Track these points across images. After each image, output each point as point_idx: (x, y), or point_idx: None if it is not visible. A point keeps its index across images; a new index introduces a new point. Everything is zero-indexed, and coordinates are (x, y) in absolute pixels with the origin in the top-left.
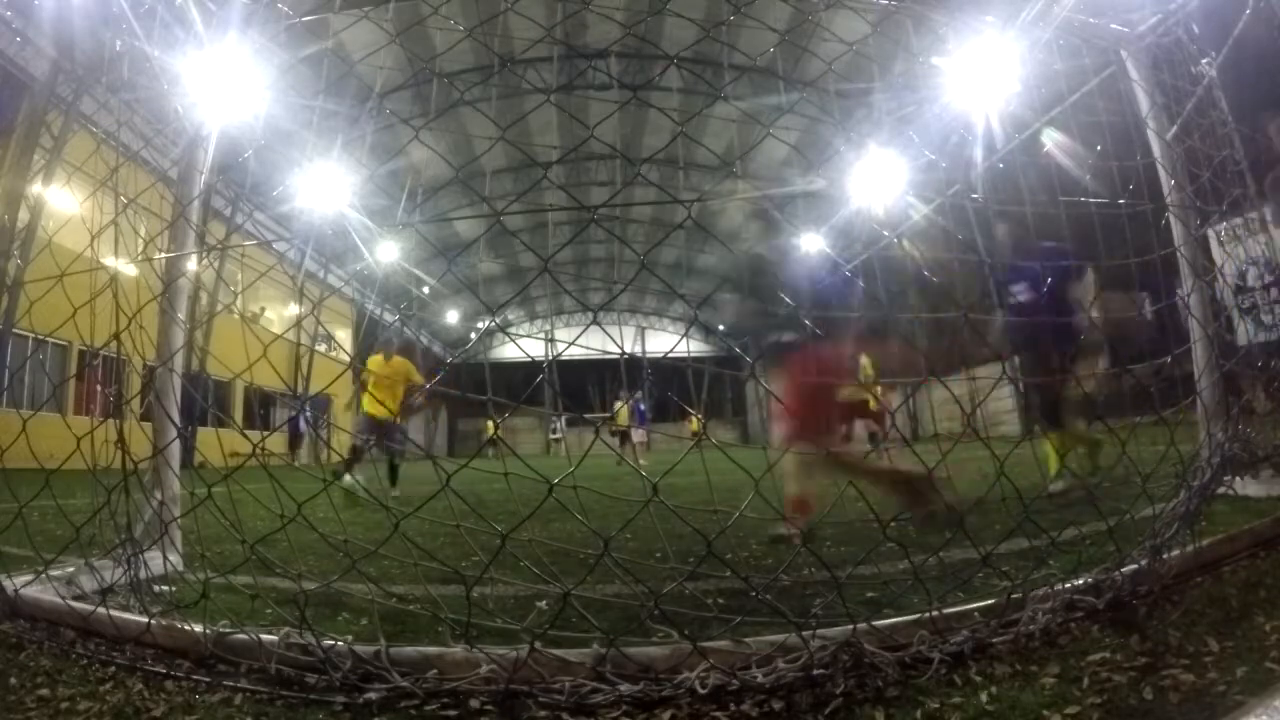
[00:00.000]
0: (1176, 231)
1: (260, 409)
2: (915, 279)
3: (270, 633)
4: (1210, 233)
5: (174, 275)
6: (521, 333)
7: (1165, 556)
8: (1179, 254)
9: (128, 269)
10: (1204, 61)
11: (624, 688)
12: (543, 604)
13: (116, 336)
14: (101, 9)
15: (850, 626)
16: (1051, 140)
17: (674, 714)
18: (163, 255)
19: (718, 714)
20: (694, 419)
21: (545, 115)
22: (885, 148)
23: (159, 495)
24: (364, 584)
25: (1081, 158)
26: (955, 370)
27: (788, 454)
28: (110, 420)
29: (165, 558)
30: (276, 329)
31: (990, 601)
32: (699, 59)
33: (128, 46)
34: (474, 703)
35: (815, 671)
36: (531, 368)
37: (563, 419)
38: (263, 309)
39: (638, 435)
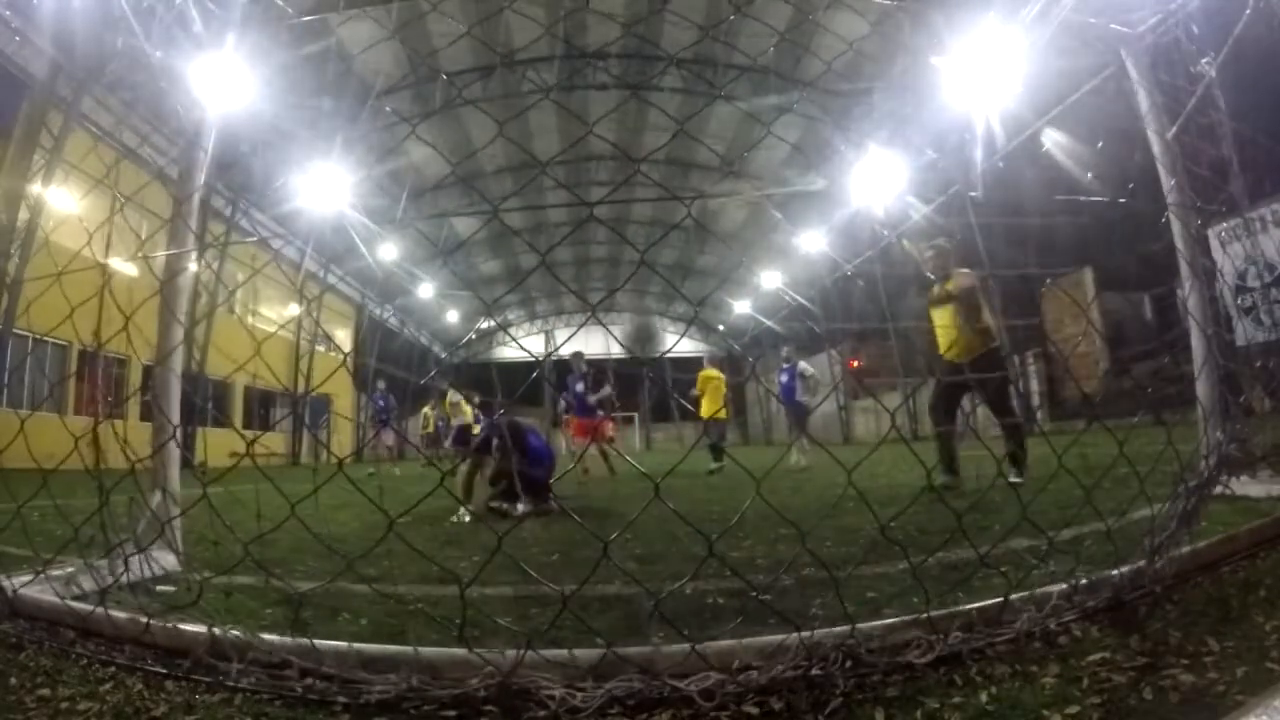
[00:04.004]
0: (1176, 231)
1: (260, 408)
2: (916, 279)
3: (270, 633)
4: (1210, 232)
5: (172, 274)
6: (521, 333)
7: (1164, 557)
8: (1178, 253)
9: (126, 268)
10: (1203, 61)
11: (623, 688)
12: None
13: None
14: (101, 9)
15: (850, 626)
16: (1051, 140)
17: (673, 714)
18: (161, 254)
19: (718, 714)
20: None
21: (545, 118)
22: (885, 148)
23: (158, 495)
24: (362, 585)
25: (1081, 157)
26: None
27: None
28: (104, 420)
29: (151, 558)
30: (274, 330)
31: (989, 602)
32: (699, 59)
33: (127, 46)
34: (474, 703)
35: (815, 671)
36: (530, 366)
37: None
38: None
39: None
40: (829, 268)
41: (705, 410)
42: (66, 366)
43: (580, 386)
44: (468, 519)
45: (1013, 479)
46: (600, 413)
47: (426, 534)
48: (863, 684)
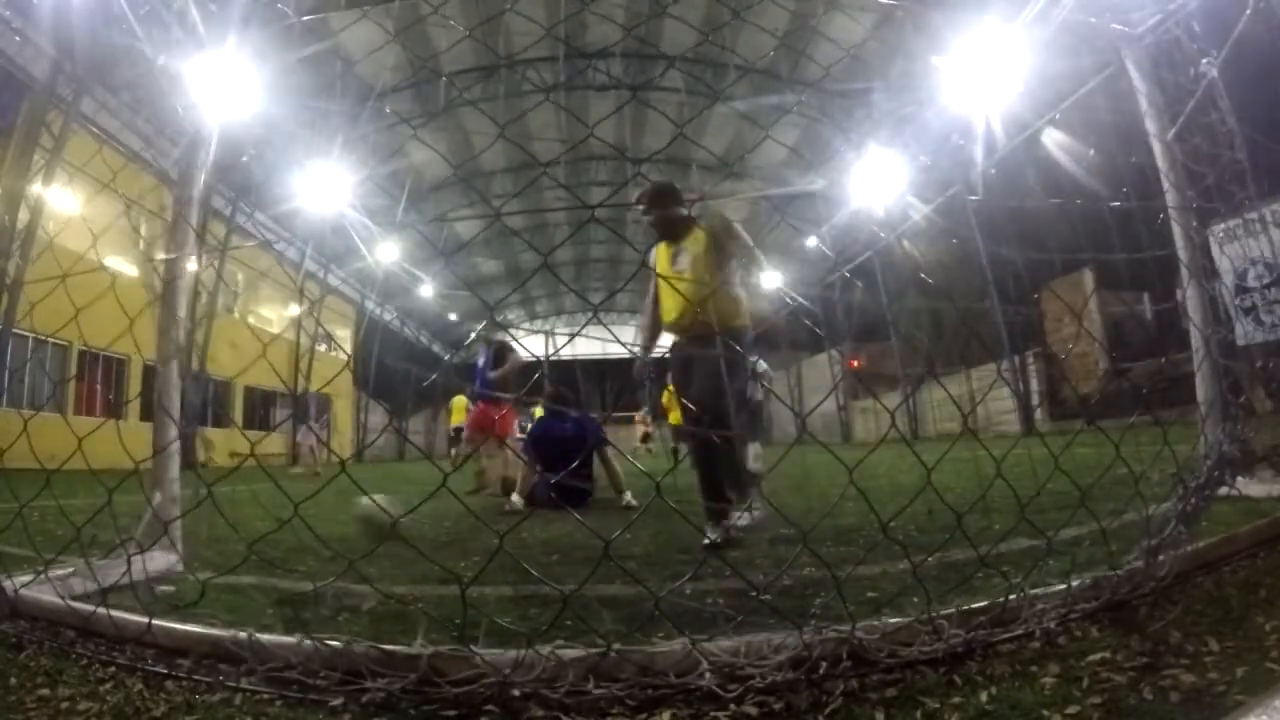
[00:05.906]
0: (1175, 232)
1: (260, 408)
2: (915, 279)
3: (270, 633)
4: (1209, 232)
5: (174, 275)
6: (521, 333)
7: (1163, 557)
8: (1177, 254)
9: (127, 268)
10: (1204, 61)
11: (623, 688)
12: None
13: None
14: (101, 9)
15: (850, 626)
16: (1051, 140)
17: (674, 714)
18: (162, 255)
19: (718, 714)
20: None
21: (546, 119)
22: (885, 148)
23: (159, 495)
24: (363, 584)
25: (1082, 157)
26: (955, 369)
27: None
28: (111, 420)
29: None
30: (276, 330)
31: (989, 602)
32: (699, 60)
33: (128, 47)
34: (474, 703)
35: (815, 672)
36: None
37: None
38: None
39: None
40: (829, 268)
41: (675, 418)
42: (67, 367)
43: (481, 361)
44: (520, 505)
45: (717, 533)
46: (505, 397)
47: (427, 533)
48: (863, 684)
